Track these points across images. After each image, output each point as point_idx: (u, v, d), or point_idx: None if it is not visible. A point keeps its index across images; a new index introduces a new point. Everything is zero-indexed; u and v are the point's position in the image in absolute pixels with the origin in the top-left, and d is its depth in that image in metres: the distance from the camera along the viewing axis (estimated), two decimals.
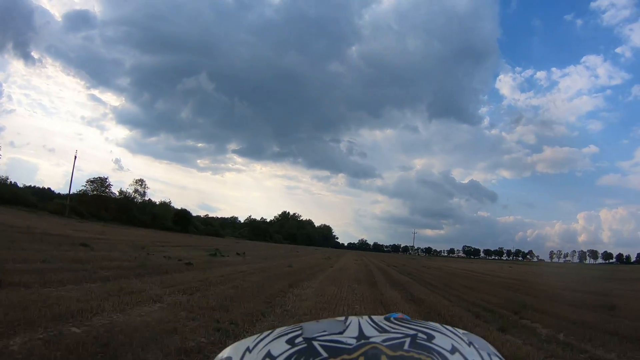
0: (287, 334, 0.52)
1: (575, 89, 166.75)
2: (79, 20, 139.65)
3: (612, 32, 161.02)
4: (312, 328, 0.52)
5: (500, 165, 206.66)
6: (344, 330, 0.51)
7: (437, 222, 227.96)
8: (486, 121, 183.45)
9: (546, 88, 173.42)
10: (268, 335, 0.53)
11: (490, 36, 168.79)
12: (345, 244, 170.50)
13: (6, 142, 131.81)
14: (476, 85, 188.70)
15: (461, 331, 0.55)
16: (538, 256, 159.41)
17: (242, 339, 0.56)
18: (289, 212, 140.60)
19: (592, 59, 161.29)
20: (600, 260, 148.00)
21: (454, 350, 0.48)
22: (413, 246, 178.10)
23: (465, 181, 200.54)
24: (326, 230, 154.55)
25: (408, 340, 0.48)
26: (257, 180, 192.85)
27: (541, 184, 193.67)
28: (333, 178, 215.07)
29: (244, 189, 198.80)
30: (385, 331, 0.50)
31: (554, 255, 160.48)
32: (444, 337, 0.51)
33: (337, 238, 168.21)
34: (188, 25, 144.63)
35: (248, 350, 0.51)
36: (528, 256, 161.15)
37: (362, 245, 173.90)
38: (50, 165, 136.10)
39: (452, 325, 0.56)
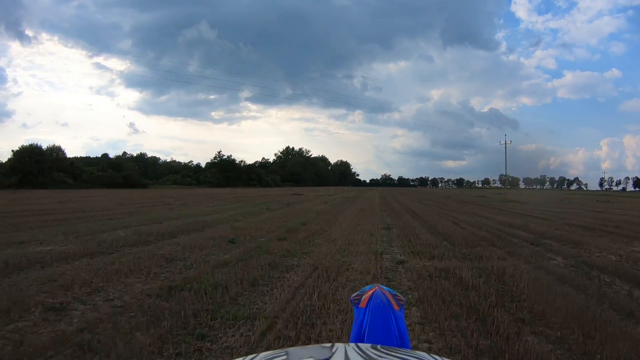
0: (272, 358, 0.49)
1: (595, 10, 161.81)
2: None
3: None
4: (297, 353, 0.50)
5: (520, 92, 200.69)
6: (330, 357, 0.48)
7: (459, 152, 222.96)
8: (503, 46, 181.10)
9: (565, 9, 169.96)
10: (253, 359, 0.50)
11: None
12: (368, 181, 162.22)
13: (18, 125, 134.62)
14: (490, 8, 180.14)
15: None
16: (586, 184, 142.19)
17: None
18: (292, 148, 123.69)
19: None
20: None
21: None
22: (442, 178, 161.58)
23: (485, 109, 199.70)
24: (343, 166, 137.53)
25: None
26: (274, 126, 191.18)
27: (562, 110, 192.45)
28: (350, 115, 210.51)
29: (262, 135, 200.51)
30: (372, 359, 0.48)
31: (604, 182, 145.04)
32: None
33: (358, 175, 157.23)
34: None
35: None
36: (576, 184, 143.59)
37: (385, 181, 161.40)
38: (67, 140, 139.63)
39: None
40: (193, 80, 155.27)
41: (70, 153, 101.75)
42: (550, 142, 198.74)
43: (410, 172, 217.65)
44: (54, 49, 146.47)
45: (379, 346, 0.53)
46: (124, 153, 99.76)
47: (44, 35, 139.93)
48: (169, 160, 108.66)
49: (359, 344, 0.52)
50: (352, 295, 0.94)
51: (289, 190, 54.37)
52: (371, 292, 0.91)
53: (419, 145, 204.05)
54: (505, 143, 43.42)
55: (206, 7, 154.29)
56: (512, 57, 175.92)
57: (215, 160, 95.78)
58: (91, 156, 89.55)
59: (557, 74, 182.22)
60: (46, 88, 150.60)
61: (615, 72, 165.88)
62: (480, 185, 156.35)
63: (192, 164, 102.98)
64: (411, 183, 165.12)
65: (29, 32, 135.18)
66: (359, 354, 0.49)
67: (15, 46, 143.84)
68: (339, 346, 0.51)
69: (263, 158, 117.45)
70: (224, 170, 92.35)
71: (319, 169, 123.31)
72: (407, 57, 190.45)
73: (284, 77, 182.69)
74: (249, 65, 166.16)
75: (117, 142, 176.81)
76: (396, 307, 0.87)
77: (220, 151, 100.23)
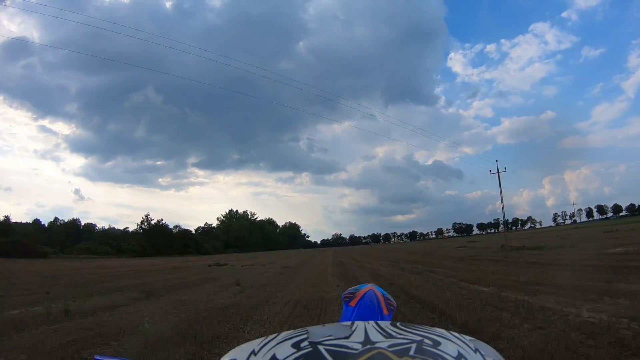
0: (292, 337, 0.50)
1: (526, 58, 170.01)
2: (16, 48, 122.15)
3: None
4: (317, 332, 0.51)
5: (462, 142, 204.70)
6: (350, 335, 0.49)
7: (408, 206, 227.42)
8: (442, 100, 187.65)
9: (497, 60, 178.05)
10: (273, 338, 0.52)
11: (436, 14, 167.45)
12: (319, 242, 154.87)
13: None
14: (428, 65, 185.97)
15: (468, 337, 0.54)
16: (540, 222, 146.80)
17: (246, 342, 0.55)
18: (236, 211, 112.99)
19: (539, 26, 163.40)
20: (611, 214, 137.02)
21: (459, 356, 0.47)
22: (395, 233, 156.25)
23: (430, 162, 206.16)
24: (292, 229, 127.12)
25: (414, 346, 0.47)
26: (222, 191, 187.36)
27: (503, 156, 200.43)
28: (297, 178, 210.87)
29: (210, 201, 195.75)
30: (391, 336, 0.50)
31: (558, 217, 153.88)
32: (450, 343, 0.50)
33: (308, 237, 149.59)
34: (130, 40, 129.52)
35: (253, 353, 0.49)
36: (531, 224, 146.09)
37: (337, 241, 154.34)
38: (11, 205, 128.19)
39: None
40: (140, 146, 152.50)
41: (15, 219, 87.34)
42: (494, 186, 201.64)
43: (361, 230, 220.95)
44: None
45: (398, 323, 0.55)
46: (56, 219, 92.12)
47: None
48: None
49: (379, 322, 0.54)
50: (346, 291, 0.96)
51: (224, 258, 43.27)
52: (364, 291, 0.92)
53: (367, 203, 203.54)
54: (498, 172, 35.25)
55: (153, 72, 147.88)
56: (451, 110, 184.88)
57: (143, 227, 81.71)
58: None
59: (495, 122, 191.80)
60: None
61: (550, 114, 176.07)
62: (433, 235, 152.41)
63: (128, 230, 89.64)
64: (363, 240, 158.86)
65: None
66: (378, 331, 0.50)
67: None
68: (359, 324, 0.52)
69: (206, 223, 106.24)
70: (152, 237, 78.47)
71: (266, 233, 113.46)
72: (350, 117, 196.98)
73: (230, 142, 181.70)
74: (195, 130, 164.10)
75: (63, 209, 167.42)
76: (385, 312, 0.88)
77: (148, 215, 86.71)
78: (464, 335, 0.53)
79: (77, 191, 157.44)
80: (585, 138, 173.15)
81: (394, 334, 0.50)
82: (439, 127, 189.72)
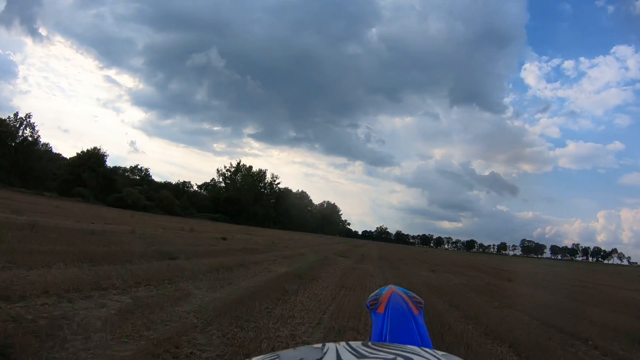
0: None
1: (604, 81, 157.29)
2: None
3: None
4: (289, 356, 0.49)
5: (522, 158, 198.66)
6: (322, 357, 0.48)
7: (456, 214, 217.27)
8: (510, 111, 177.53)
9: (573, 79, 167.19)
10: None
11: (516, 20, 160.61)
12: (360, 232, 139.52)
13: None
14: (500, 71, 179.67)
15: (440, 353, 0.53)
16: (629, 258, 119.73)
17: None
18: (244, 165, 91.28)
19: (622, 49, 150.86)
20: None
21: None
22: (450, 238, 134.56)
23: (486, 173, 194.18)
24: (329, 209, 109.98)
25: None
26: (274, 166, 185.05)
27: (562, 179, 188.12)
28: (350, 166, 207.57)
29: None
30: (364, 357, 0.48)
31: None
32: None
33: (349, 224, 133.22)
34: (201, 1, 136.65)
35: None
36: (615, 256, 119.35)
37: (381, 234, 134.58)
38: (67, 147, 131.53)
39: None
40: (199, 109, 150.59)
41: None
42: (547, 210, 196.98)
43: (406, 229, 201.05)
44: (67, 54, 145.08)
45: (369, 342, 0.53)
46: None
47: (58, 37, 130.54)
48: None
49: (350, 342, 0.52)
50: (369, 300, 0.91)
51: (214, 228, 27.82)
52: (388, 295, 0.89)
53: (415, 203, 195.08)
54: None
55: (219, 37, 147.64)
56: (517, 123, 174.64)
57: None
58: None
59: (560, 143, 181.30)
60: (56, 92, 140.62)
61: (618, 145, 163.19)
62: (495, 250, 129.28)
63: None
64: (411, 240, 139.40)
65: (42, 31, 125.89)
66: (350, 352, 0.48)
67: (28, 42, 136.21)
68: (330, 346, 0.51)
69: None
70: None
71: (287, 206, 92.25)
72: (413, 113, 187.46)
73: (288, 118, 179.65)
74: (255, 101, 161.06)
75: (117, 158, 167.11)
76: (415, 311, 0.85)
77: None
78: (437, 351, 0.52)
79: (132, 143, 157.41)
80: None
81: (366, 354, 0.48)
82: (501, 138, 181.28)
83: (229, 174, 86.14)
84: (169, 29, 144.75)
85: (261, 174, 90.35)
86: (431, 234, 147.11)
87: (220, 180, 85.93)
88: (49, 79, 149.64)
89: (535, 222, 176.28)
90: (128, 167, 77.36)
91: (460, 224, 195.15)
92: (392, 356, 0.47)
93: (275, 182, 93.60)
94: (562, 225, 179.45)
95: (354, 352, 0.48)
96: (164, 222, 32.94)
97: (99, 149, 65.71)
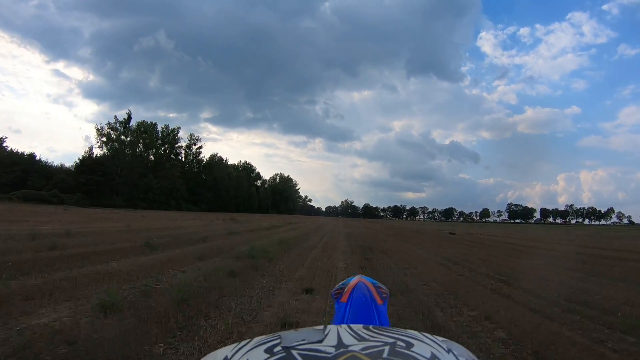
0: (265, 343, 0.49)
1: (559, 47, 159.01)
2: None
3: None
4: (290, 337, 0.50)
5: (481, 125, 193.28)
6: (323, 339, 0.49)
7: (419, 184, 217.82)
8: (467, 80, 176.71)
9: (529, 45, 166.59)
10: (246, 344, 0.51)
11: None
12: (323, 208, 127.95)
13: None
14: (457, 39, 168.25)
15: (440, 338, 0.53)
16: (629, 216, 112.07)
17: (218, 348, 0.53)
18: (143, 121, 70.75)
19: (577, 16, 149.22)
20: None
21: (433, 357, 0.47)
22: (425, 208, 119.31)
23: (447, 142, 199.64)
24: (282, 184, 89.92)
25: (387, 348, 0.47)
26: (234, 149, 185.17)
27: (521, 145, 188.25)
28: (310, 143, 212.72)
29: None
30: (364, 339, 0.49)
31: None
32: (423, 345, 0.49)
33: (310, 200, 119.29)
34: None
35: (227, 359, 0.48)
36: (613, 216, 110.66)
37: (346, 210, 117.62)
38: (22, 149, 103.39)
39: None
40: (153, 96, 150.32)
41: None
42: (509, 176, 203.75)
43: (374, 202, 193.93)
44: (12, 50, 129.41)
45: (371, 326, 0.54)
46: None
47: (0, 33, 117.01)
48: None
49: (351, 325, 0.53)
50: (334, 288, 0.91)
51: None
52: (353, 284, 0.89)
53: (378, 175, 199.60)
54: None
55: (167, 18, 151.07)
56: (475, 91, 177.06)
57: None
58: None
59: (518, 109, 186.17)
60: (5, 93, 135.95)
61: (575, 109, 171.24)
62: (478, 218, 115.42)
63: None
64: (381, 213, 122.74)
65: None
66: (351, 335, 0.50)
67: None
68: (331, 327, 0.52)
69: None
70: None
71: (223, 180, 71.44)
72: (371, 86, 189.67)
73: (244, 100, 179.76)
74: (209, 83, 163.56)
75: (74, 155, 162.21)
76: (379, 301, 0.85)
77: None
78: (437, 336, 0.52)
79: (87, 138, 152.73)
80: (607, 139, 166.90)
81: (366, 337, 0.49)
82: (460, 106, 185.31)
83: (115, 133, 63.94)
84: (114, 14, 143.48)
85: (172, 132, 69.22)
86: (403, 204, 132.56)
87: (102, 145, 63.36)
88: None
89: (498, 187, 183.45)
90: None
91: (423, 194, 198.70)
92: (392, 340, 0.48)
93: (196, 147, 73.45)
94: (523, 189, 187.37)
95: (354, 335, 0.49)
96: None
97: None
